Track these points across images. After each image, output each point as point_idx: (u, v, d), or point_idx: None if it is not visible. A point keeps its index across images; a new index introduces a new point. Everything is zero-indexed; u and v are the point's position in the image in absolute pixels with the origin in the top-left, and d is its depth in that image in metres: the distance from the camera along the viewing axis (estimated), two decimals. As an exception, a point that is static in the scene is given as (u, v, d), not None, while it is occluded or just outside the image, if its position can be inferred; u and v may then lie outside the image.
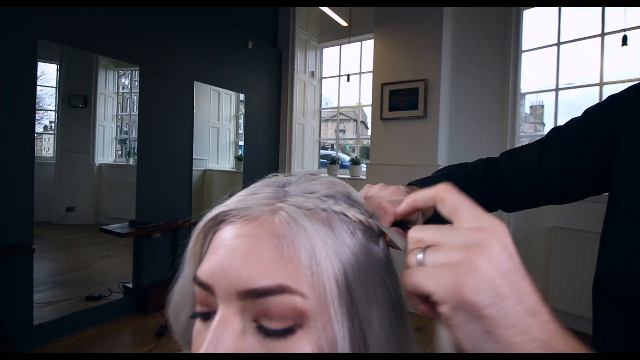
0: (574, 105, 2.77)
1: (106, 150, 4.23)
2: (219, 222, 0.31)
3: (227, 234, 0.29)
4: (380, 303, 0.28)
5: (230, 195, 0.33)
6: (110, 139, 4.30)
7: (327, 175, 0.37)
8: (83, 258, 3.38)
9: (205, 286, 0.28)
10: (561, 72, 2.73)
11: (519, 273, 0.24)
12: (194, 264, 0.32)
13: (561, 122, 2.69)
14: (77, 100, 4.00)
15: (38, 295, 2.44)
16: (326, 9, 3.39)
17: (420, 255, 0.26)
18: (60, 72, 3.97)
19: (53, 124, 4.23)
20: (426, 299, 0.25)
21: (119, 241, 2.68)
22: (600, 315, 0.58)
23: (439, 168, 0.71)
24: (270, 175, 0.35)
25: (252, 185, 0.33)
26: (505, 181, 0.67)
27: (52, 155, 4.21)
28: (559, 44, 2.74)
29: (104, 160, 4.18)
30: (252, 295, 0.25)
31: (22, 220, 2.01)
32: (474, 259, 0.23)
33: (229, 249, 0.28)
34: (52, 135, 4.24)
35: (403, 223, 0.37)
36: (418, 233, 0.27)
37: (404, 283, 0.26)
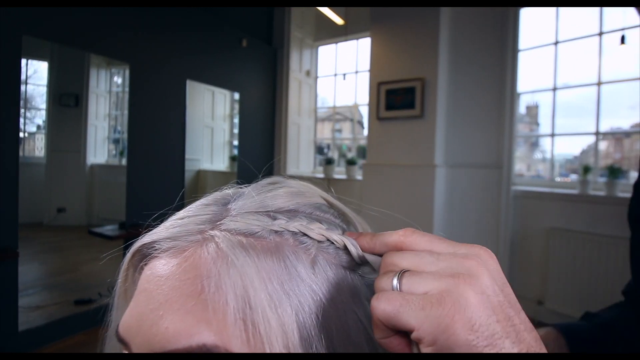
0: (571, 105, 2.74)
1: (98, 150, 4.17)
2: (144, 255, 0.25)
3: (148, 273, 0.24)
4: (352, 348, 0.22)
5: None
6: (103, 138, 4.24)
7: (293, 182, 0.30)
8: (73, 260, 3.31)
9: (123, 342, 0.23)
10: (558, 72, 2.71)
11: (514, 307, 0.20)
12: (124, 306, 0.26)
13: (558, 122, 2.63)
14: (68, 99, 3.93)
15: (25, 300, 2.38)
16: (322, 7, 3.35)
17: (395, 280, 0.20)
18: (51, 70, 3.90)
19: (45, 123, 4.16)
20: (398, 331, 0.20)
21: (109, 243, 2.62)
22: None
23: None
24: (224, 187, 0.29)
25: (191, 204, 0.27)
26: None
27: (43, 155, 4.15)
28: (556, 43, 2.71)
29: (96, 160, 4.11)
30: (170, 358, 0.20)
31: (7, 223, 1.94)
32: (462, 290, 0.18)
33: (148, 295, 0.22)
34: (44, 135, 4.18)
35: None
36: (393, 257, 0.22)
37: (374, 308, 0.20)
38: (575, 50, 2.68)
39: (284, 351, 0.20)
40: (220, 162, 4.24)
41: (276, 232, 0.24)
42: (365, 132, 3.28)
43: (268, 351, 0.20)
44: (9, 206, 1.95)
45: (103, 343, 0.29)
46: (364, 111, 3.98)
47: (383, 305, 0.19)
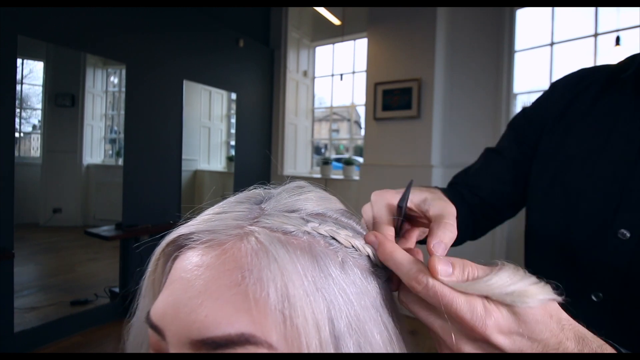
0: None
1: (94, 150, 4.14)
2: (179, 246, 0.26)
3: (185, 263, 0.24)
4: (374, 347, 0.23)
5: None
6: (99, 138, 4.22)
7: (317, 187, 0.31)
8: (69, 261, 3.29)
9: (156, 329, 0.23)
10: (554, 73, 2.72)
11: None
12: (153, 295, 0.27)
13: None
14: (64, 99, 3.91)
15: (21, 301, 2.36)
16: (319, 7, 3.35)
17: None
18: (47, 70, 3.88)
19: (40, 124, 4.14)
20: (432, 308, 0.23)
21: (106, 243, 2.61)
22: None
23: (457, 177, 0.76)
24: (251, 187, 0.30)
25: (224, 201, 0.28)
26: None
27: (39, 155, 4.12)
28: (552, 44, 2.73)
29: (92, 161, 4.09)
30: (207, 346, 0.21)
31: (2, 224, 1.93)
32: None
33: (185, 284, 0.23)
34: (39, 135, 4.15)
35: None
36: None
37: (430, 287, 0.23)
38: (571, 51, 2.70)
39: (318, 346, 0.21)
40: (217, 163, 4.23)
41: (307, 233, 0.24)
42: (363, 132, 3.29)
43: (304, 344, 0.20)
44: (5, 206, 1.94)
45: (127, 332, 0.29)
46: (361, 111, 3.99)
47: (447, 296, 0.23)
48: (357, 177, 3.50)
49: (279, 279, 0.21)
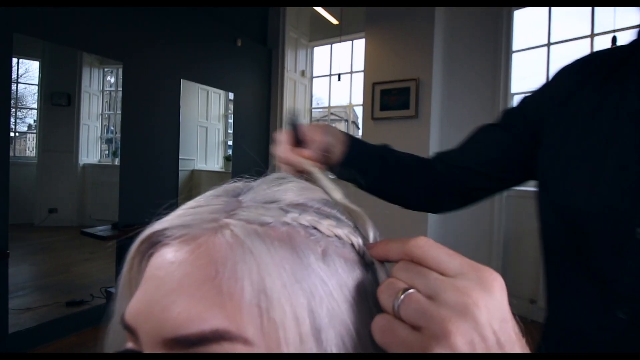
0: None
1: (91, 150, 4.13)
2: (153, 243, 0.25)
3: (158, 260, 0.23)
4: (360, 346, 0.22)
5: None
6: (95, 138, 4.20)
7: (300, 179, 0.30)
8: (64, 261, 3.27)
9: (130, 329, 0.23)
10: (551, 73, 2.73)
11: (503, 347, 0.20)
12: (129, 296, 0.25)
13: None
14: (60, 98, 3.88)
15: (16, 301, 2.35)
16: (317, 7, 3.35)
17: (396, 303, 0.21)
18: (42, 69, 3.86)
19: (36, 123, 4.11)
20: None
21: (102, 244, 2.59)
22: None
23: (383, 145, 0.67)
24: (231, 180, 0.29)
25: (201, 195, 0.27)
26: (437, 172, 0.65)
27: (34, 155, 4.09)
28: (548, 44, 2.74)
29: (88, 160, 4.07)
30: (180, 345, 0.20)
31: (-4, 223, 1.91)
32: (451, 342, 0.19)
33: (158, 281, 0.22)
34: (35, 135, 4.12)
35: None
36: (400, 272, 0.23)
37: (372, 331, 0.22)
38: (568, 52, 2.71)
39: (297, 339, 0.20)
40: (214, 162, 4.22)
41: (287, 224, 0.24)
42: (360, 132, 3.29)
43: (282, 338, 0.20)
44: (-1, 206, 1.92)
45: (105, 336, 0.28)
46: (359, 111, 3.99)
47: (378, 336, 0.21)
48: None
49: (255, 272, 0.21)
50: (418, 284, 0.22)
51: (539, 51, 2.78)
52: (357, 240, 0.25)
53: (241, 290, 0.20)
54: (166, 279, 0.22)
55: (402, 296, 0.21)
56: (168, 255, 0.23)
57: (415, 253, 0.22)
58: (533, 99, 0.61)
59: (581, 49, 2.61)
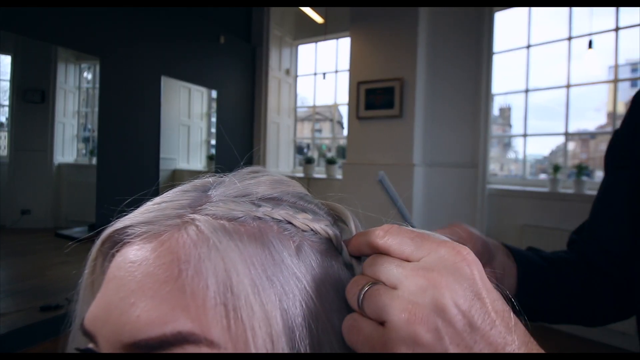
0: (541, 107, 2.85)
1: (66, 149, 3.97)
2: (115, 243, 0.24)
3: (119, 260, 0.22)
4: (337, 345, 0.21)
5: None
6: (71, 136, 4.05)
7: (275, 173, 0.29)
8: (39, 265, 3.14)
9: (88, 335, 0.21)
10: (530, 75, 2.80)
11: (476, 330, 0.19)
12: (91, 300, 0.24)
13: (530, 123, 2.70)
14: (33, 95, 3.73)
15: (-14, 307, 2.24)
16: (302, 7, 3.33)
17: (359, 298, 0.21)
18: (15, 64, 3.69)
19: (8, 121, 3.94)
20: None
21: (78, 246, 2.49)
22: None
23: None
24: (203, 175, 0.27)
25: (169, 191, 0.26)
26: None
27: (6, 154, 3.92)
28: (528, 46, 2.81)
29: (63, 160, 3.92)
30: (141, 349, 0.19)
31: (-37, 225, 1.81)
32: (412, 331, 0.18)
33: (118, 283, 0.21)
34: (7, 133, 3.95)
35: None
36: (366, 266, 0.22)
37: (342, 332, 0.21)
38: (546, 54, 2.79)
39: (267, 339, 0.19)
40: (197, 162, 4.14)
41: (260, 218, 0.22)
42: (345, 132, 3.29)
43: (250, 339, 0.19)
44: (-34, 208, 1.82)
45: (66, 343, 0.26)
46: (344, 111, 3.99)
47: (346, 336, 0.21)
48: (339, 176, 3.50)
49: (221, 269, 0.19)
50: (382, 276, 0.21)
51: (519, 53, 2.85)
52: (335, 234, 0.24)
53: (205, 289, 0.19)
54: (126, 280, 0.20)
55: (364, 291, 0.21)
56: (129, 255, 0.21)
57: (379, 244, 0.22)
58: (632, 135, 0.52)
59: (559, 51, 2.69)
